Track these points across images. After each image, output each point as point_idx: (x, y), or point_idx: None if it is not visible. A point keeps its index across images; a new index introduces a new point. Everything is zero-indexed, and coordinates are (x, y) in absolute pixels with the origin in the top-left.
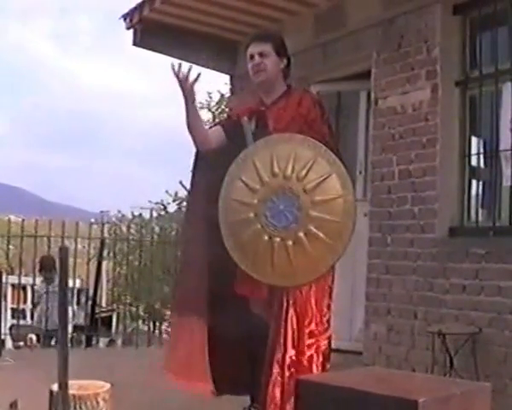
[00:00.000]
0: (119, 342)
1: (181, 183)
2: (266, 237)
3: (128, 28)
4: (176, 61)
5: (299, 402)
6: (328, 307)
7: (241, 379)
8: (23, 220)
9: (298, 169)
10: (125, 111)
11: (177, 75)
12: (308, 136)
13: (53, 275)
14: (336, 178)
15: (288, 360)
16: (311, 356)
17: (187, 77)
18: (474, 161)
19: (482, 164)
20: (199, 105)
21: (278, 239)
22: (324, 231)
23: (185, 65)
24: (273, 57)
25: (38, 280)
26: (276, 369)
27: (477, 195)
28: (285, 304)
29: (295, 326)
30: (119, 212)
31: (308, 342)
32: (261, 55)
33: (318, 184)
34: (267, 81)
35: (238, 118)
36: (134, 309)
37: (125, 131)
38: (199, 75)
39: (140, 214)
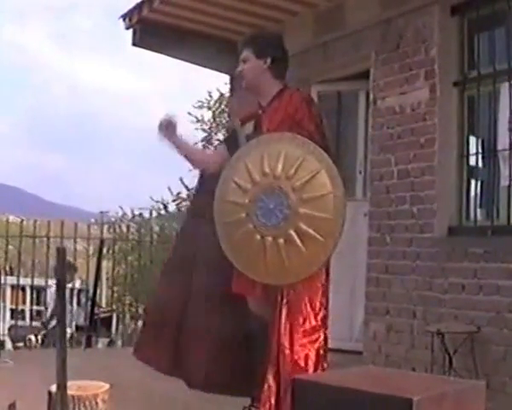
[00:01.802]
0: (119, 342)
1: (181, 180)
2: (258, 237)
3: (127, 28)
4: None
5: (296, 402)
6: (322, 305)
7: (238, 380)
8: (22, 221)
9: (287, 167)
10: (126, 111)
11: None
12: (297, 134)
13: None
14: (325, 174)
15: (282, 359)
16: (306, 355)
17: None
18: (472, 161)
19: (480, 164)
20: (199, 104)
21: (270, 238)
22: (315, 228)
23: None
24: (252, 62)
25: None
26: (271, 368)
27: (475, 194)
28: (279, 303)
29: (289, 325)
30: (121, 208)
31: (302, 341)
32: (243, 61)
33: (307, 182)
34: (249, 86)
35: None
36: (134, 309)
37: (126, 130)
38: (176, 124)
39: (140, 214)
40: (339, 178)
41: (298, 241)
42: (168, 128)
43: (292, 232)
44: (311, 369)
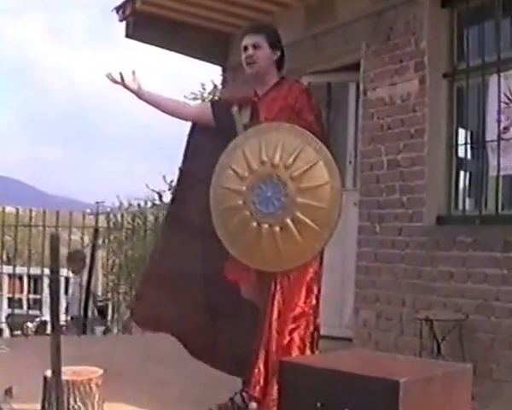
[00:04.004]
0: (115, 330)
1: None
2: (255, 224)
3: (121, 20)
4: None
5: (283, 384)
6: (313, 292)
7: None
8: (17, 210)
9: (285, 157)
10: (122, 104)
11: (115, 82)
12: (296, 124)
13: (80, 268)
14: (323, 165)
15: (273, 345)
16: (296, 341)
17: (122, 78)
18: (461, 152)
19: (469, 154)
20: (192, 96)
21: (266, 226)
22: (311, 217)
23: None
24: (266, 49)
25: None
26: (262, 353)
27: (464, 184)
28: (273, 290)
29: (281, 311)
30: (118, 198)
31: (292, 326)
32: (255, 46)
33: (305, 172)
34: (259, 73)
35: (229, 104)
36: (129, 298)
37: (122, 123)
38: (133, 72)
39: (138, 205)
40: (336, 169)
41: (294, 229)
42: (123, 79)
43: (288, 221)
44: (295, 353)
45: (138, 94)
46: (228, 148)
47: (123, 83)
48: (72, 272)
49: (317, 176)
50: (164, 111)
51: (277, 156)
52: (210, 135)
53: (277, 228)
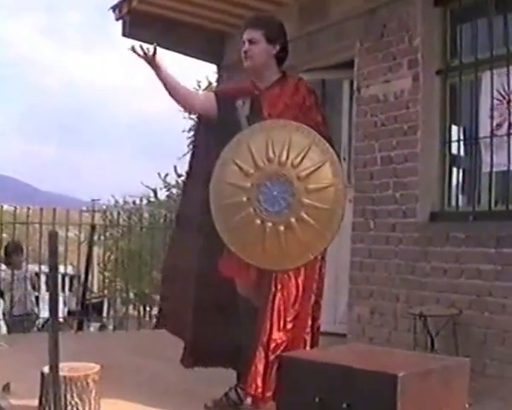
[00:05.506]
0: (111, 326)
1: (174, 168)
2: (258, 221)
3: (117, 19)
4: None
5: (281, 379)
6: (314, 291)
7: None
8: (15, 208)
9: (293, 156)
10: (118, 103)
11: (138, 54)
12: (303, 123)
13: (19, 260)
14: (329, 166)
15: (272, 344)
16: (297, 340)
17: (145, 53)
18: (454, 148)
19: (462, 151)
20: None
21: (270, 224)
22: (315, 218)
23: (143, 45)
24: (262, 44)
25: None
26: (260, 351)
27: (457, 180)
28: (273, 289)
29: (282, 311)
30: (113, 196)
31: (292, 324)
32: (250, 42)
33: (312, 172)
34: (254, 68)
35: (233, 97)
36: (124, 294)
37: (118, 122)
38: (155, 47)
39: (134, 202)
40: (340, 170)
41: (298, 229)
42: (147, 54)
43: (293, 220)
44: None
45: (158, 71)
46: (231, 142)
47: (146, 57)
48: (13, 268)
49: (323, 177)
50: (175, 96)
51: (284, 154)
52: (213, 130)
53: (282, 227)
